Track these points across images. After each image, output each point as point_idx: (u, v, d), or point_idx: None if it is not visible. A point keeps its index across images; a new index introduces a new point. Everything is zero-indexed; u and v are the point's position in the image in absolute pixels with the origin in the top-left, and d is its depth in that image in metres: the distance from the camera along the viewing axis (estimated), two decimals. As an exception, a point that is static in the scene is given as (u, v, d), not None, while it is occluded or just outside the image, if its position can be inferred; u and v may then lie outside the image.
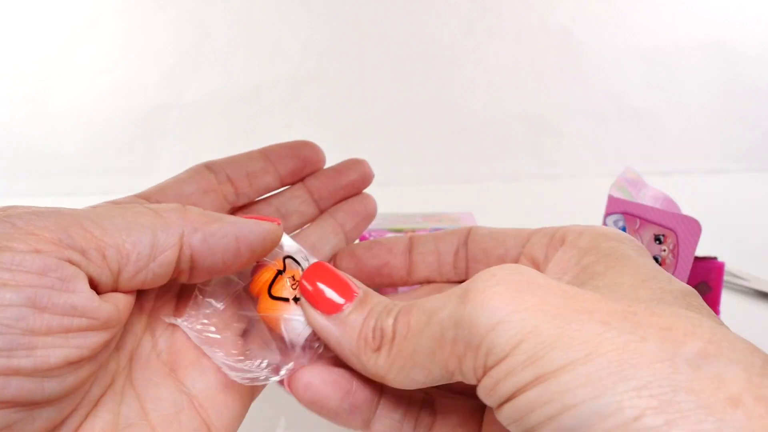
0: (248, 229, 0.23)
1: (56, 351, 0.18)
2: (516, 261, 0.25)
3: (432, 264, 0.28)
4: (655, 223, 0.36)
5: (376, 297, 0.22)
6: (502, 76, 1.08)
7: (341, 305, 0.21)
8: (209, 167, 0.30)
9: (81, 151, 1.06)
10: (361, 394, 0.22)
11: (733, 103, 1.09)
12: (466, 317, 0.17)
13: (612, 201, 0.38)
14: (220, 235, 0.22)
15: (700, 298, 0.19)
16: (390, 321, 0.20)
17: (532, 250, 0.24)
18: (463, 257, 0.27)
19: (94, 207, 0.22)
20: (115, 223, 0.20)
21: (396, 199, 0.97)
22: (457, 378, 0.18)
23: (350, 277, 0.23)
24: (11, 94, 1.05)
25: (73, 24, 1.03)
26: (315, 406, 0.22)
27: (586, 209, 0.66)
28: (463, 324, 0.17)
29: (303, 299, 0.22)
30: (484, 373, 0.17)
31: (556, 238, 0.23)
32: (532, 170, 1.09)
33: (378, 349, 0.20)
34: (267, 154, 0.33)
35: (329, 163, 0.33)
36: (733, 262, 0.54)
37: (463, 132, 1.09)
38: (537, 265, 0.23)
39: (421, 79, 1.07)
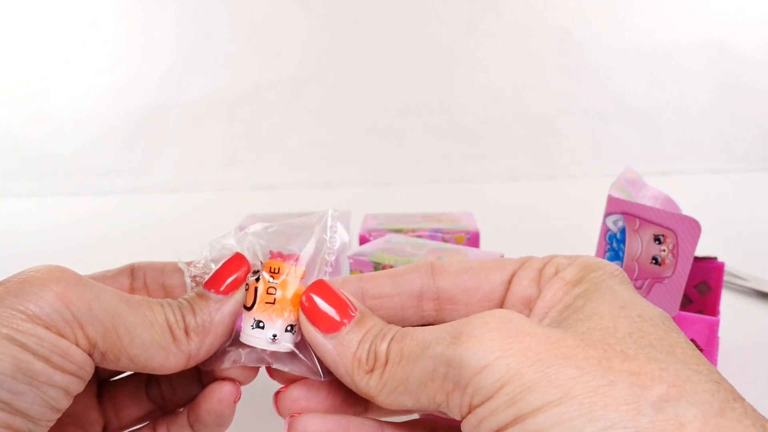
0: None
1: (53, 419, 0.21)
2: (502, 298, 0.24)
3: (393, 309, 0.25)
4: (654, 223, 0.36)
5: (372, 319, 0.23)
6: (502, 76, 1.08)
7: (340, 325, 0.22)
8: (133, 270, 0.28)
9: (81, 151, 1.07)
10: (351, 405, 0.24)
11: (733, 103, 1.09)
12: (457, 358, 0.19)
13: (612, 201, 0.38)
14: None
15: (673, 322, 0.20)
16: (384, 346, 0.21)
17: (521, 286, 0.23)
18: (432, 298, 0.25)
19: (125, 303, 0.22)
20: (143, 337, 0.22)
21: (396, 199, 0.98)
22: (443, 410, 0.20)
23: (349, 296, 0.23)
24: (11, 94, 1.05)
25: (73, 24, 1.03)
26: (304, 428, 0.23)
27: (586, 209, 0.66)
28: (454, 364, 0.19)
29: (302, 315, 0.23)
30: (470, 411, 0.18)
31: (545, 273, 0.23)
32: (532, 170, 1.09)
33: (371, 371, 0.21)
34: None
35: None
36: (733, 262, 0.54)
37: (463, 132, 1.09)
38: (528, 302, 0.23)
39: (422, 79, 1.07)
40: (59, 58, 1.04)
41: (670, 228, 0.36)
